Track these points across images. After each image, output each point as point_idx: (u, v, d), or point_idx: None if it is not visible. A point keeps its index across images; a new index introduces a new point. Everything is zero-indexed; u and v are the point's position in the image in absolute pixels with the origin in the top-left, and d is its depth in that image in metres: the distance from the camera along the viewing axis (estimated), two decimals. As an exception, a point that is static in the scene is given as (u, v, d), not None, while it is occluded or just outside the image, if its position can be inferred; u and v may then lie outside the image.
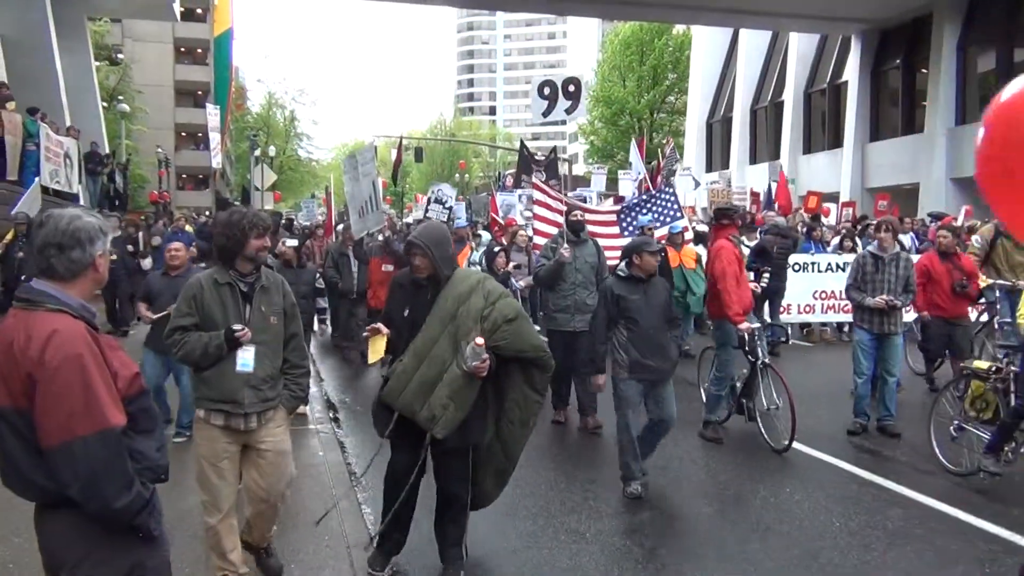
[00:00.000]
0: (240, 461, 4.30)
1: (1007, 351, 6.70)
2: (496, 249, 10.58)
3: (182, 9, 34.26)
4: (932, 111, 24.49)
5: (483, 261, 10.89)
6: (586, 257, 8.07)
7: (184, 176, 54.57)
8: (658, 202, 10.82)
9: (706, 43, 37.51)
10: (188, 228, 16.99)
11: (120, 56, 40.73)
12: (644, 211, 10.54)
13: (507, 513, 5.63)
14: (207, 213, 30.61)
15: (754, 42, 34.00)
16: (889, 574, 4.85)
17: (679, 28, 45.60)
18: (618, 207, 11.61)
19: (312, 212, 26.66)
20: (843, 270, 12.10)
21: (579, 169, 61.79)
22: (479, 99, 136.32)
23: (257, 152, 40.20)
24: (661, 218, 10.68)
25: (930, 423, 6.89)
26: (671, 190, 11.44)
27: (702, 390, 8.48)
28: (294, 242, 9.64)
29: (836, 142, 29.39)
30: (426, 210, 13.05)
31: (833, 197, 24.81)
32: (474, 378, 4.25)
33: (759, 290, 9.73)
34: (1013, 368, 6.31)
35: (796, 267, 12.84)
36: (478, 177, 75.06)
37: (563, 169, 27.93)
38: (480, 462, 4.56)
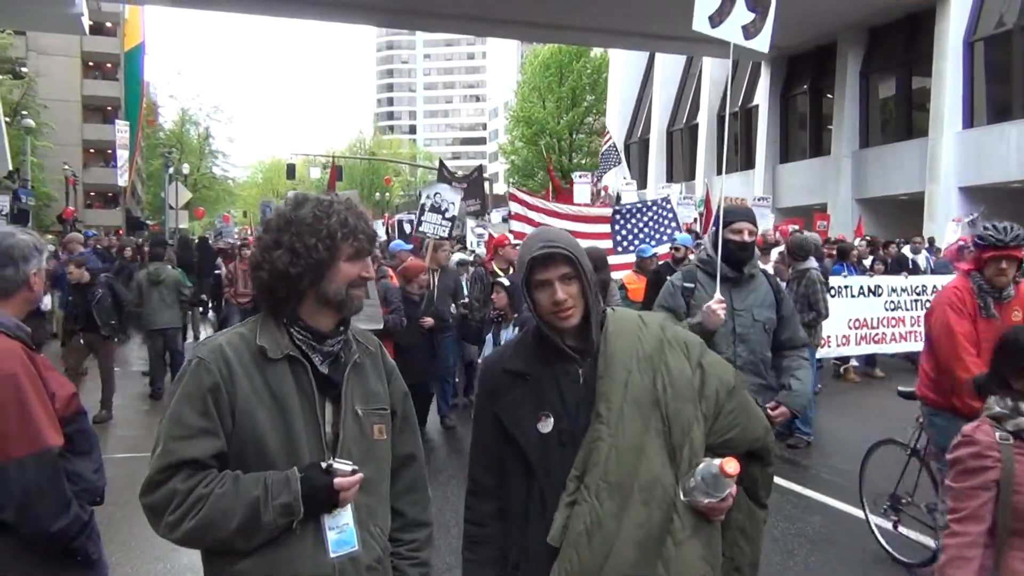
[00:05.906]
0: None
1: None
2: (498, 278, 7.62)
3: (91, 23, 33.26)
4: (837, 134, 25.67)
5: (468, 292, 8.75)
6: (753, 309, 4.26)
7: (92, 194, 52.84)
8: (654, 215, 9.57)
9: (623, 66, 38.37)
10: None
11: (24, 69, 39.30)
12: (639, 228, 9.34)
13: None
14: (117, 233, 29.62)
15: (670, 65, 34.92)
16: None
17: (597, 51, 46.53)
18: (608, 211, 9.95)
19: (230, 233, 25.79)
20: (875, 294, 11.16)
21: (500, 188, 62.30)
22: (399, 118, 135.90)
23: (171, 170, 39.21)
24: (656, 235, 9.31)
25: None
26: (669, 205, 9.80)
27: (872, 524, 5.52)
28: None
29: (748, 163, 30.39)
30: (418, 223, 9.73)
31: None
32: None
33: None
34: None
35: (832, 292, 10.22)
36: (399, 196, 74.88)
37: (485, 188, 28.01)
38: None
